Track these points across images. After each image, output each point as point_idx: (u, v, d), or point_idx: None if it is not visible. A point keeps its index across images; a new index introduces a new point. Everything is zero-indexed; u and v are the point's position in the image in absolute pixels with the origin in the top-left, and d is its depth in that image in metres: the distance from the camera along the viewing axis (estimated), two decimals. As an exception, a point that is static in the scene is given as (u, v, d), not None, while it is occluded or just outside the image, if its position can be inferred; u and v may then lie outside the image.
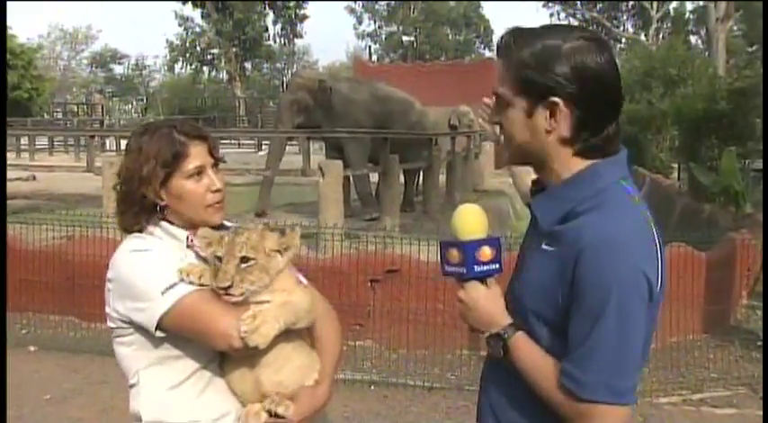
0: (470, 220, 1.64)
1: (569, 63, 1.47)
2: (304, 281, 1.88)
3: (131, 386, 1.81)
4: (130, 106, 59.19)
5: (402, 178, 12.13)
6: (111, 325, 1.81)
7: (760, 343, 6.16)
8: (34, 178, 17.99)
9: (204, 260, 1.75)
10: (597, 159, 1.53)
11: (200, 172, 1.83)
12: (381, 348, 5.89)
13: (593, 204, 1.49)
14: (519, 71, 1.51)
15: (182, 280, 1.70)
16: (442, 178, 13.05)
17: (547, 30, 1.53)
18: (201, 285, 1.70)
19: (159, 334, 1.73)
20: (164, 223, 1.86)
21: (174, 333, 1.73)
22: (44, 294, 6.63)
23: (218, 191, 1.85)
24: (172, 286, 1.69)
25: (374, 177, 11.80)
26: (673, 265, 5.99)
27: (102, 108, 48.90)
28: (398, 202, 10.92)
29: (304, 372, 1.79)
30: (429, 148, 12.53)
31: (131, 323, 1.75)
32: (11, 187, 16.77)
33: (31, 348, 6.01)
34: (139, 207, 1.83)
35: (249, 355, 1.69)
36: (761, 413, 4.86)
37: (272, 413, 1.71)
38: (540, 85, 1.48)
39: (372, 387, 5.30)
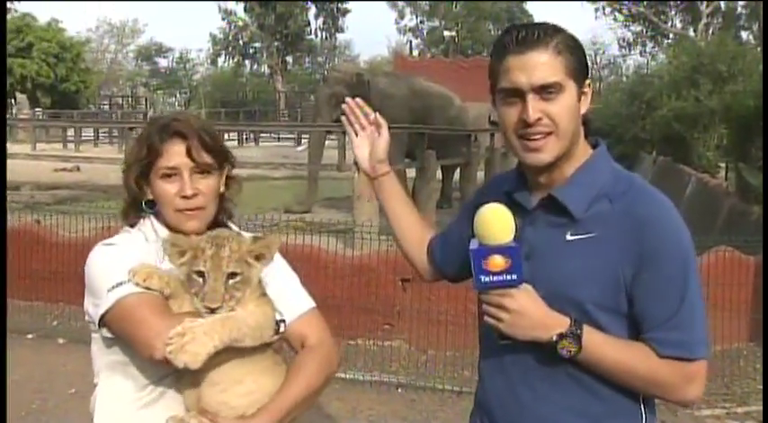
0: (485, 224, 1.50)
1: (580, 50, 1.59)
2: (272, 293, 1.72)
3: (95, 386, 1.74)
4: (174, 99, 60.06)
5: (439, 174, 12.02)
6: (87, 318, 1.73)
7: None
8: (78, 169, 18.27)
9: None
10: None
11: (173, 173, 1.69)
12: (411, 349, 5.82)
13: (626, 185, 1.56)
14: (573, 54, 1.55)
15: (129, 280, 1.59)
16: (481, 175, 12.90)
17: (546, 23, 1.61)
18: (147, 289, 1.59)
19: (106, 334, 1.65)
20: (152, 218, 1.76)
21: (114, 335, 1.63)
22: (77, 286, 6.61)
23: (187, 197, 1.69)
24: (118, 285, 1.60)
25: (411, 173, 11.70)
26: (719, 269, 5.79)
27: (147, 101, 49.73)
28: (435, 199, 10.82)
29: (255, 398, 1.63)
30: (468, 144, 12.42)
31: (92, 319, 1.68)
32: (55, 177, 17.11)
33: (60, 341, 6.02)
34: (132, 198, 1.75)
35: (199, 371, 1.56)
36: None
37: None
38: (584, 68, 1.58)
39: (400, 390, 5.22)
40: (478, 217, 1.51)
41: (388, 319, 6.02)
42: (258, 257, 1.61)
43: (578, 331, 1.49)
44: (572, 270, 1.52)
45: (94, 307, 1.64)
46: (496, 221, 1.49)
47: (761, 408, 4.99)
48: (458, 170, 12.95)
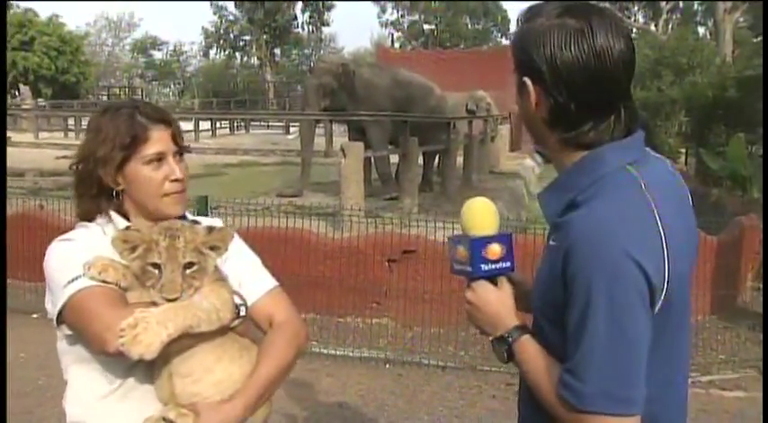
0: (479, 216, 1.46)
1: (541, 46, 1.33)
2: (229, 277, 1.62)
3: (65, 383, 1.63)
4: (168, 90, 59.43)
5: (421, 160, 11.99)
6: (48, 316, 1.62)
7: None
8: (77, 156, 18.00)
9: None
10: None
11: (159, 158, 1.61)
12: (397, 326, 5.81)
13: (592, 193, 1.30)
14: (513, 48, 1.41)
15: (84, 274, 1.48)
16: (460, 160, 12.89)
17: (543, 9, 1.37)
18: (104, 282, 1.49)
19: (66, 330, 1.56)
20: (112, 213, 1.64)
21: (72, 331, 1.54)
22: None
23: (177, 181, 1.62)
24: (73, 280, 1.49)
25: (394, 159, 11.65)
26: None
27: (142, 91, 49.24)
28: (417, 183, 10.79)
29: (226, 386, 1.55)
30: (447, 131, 12.38)
31: None
32: (57, 164, 16.88)
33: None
34: (97, 190, 1.62)
35: (168, 363, 1.49)
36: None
37: None
38: (519, 62, 1.38)
39: (387, 365, 5.20)
40: (470, 210, 1.47)
41: (376, 298, 6.00)
42: (213, 248, 1.52)
43: (510, 338, 1.39)
44: (537, 276, 1.42)
45: (52, 305, 1.55)
46: (488, 213, 1.47)
47: (723, 376, 5.03)
48: (438, 156, 12.91)
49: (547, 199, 1.41)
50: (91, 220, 1.65)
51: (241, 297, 1.59)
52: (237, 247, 1.71)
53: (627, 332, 1.20)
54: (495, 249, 1.43)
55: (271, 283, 1.75)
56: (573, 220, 1.27)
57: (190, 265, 1.47)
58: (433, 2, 54.63)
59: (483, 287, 1.45)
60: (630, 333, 1.21)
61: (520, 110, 1.43)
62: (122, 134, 1.58)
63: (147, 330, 1.38)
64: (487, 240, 1.44)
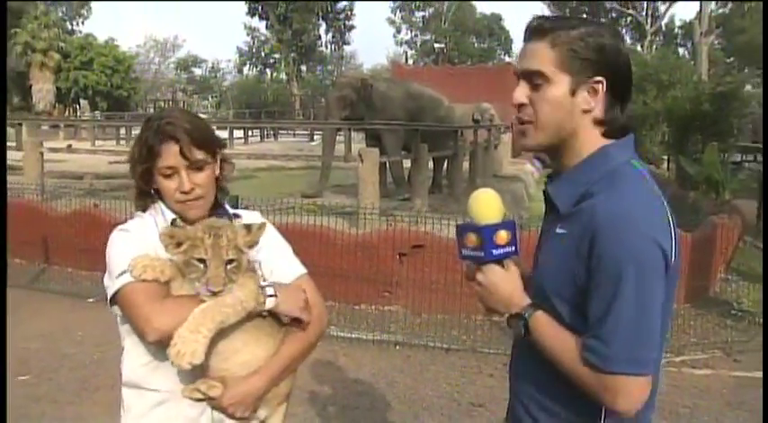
0: (487, 205, 1.42)
1: (609, 46, 1.34)
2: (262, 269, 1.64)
3: (122, 349, 1.70)
4: (207, 102, 59.64)
5: (431, 164, 11.97)
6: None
7: (734, 312, 6.08)
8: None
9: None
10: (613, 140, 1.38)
11: (172, 172, 1.61)
12: (407, 313, 5.81)
13: (605, 184, 1.32)
14: (568, 49, 1.33)
15: (130, 270, 1.54)
16: (466, 165, 12.86)
17: (578, 18, 1.40)
18: (143, 281, 1.53)
19: (116, 311, 1.62)
20: (160, 204, 1.69)
21: (122, 314, 1.60)
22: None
23: (185, 192, 1.62)
24: (123, 273, 1.54)
25: (407, 163, 11.65)
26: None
27: (184, 104, 49.44)
28: (427, 186, 10.78)
29: (252, 364, 1.56)
30: (455, 138, 12.35)
31: None
32: (110, 168, 17.03)
33: (114, 303, 6.01)
34: (139, 187, 1.68)
35: None
36: (733, 373, 4.73)
37: (204, 393, 1.55)
38: (590, 63, 1.33)
39: (398, 347, 5.21)
40: (478, 201, 1.43)
41: (388, 288, 6.00)
42: (250, 246, 1.55)
43: (527, 315, 1.36)
44: (549, 261, 1.39)
45: (107, 288, 1.61)
46: (494, 203, 1.43)
47: (693, 357, 5.03)
48: (446, 161, 12.88)
49: (557, 191, 1.40)
50: (145, 210, 1.71)
51: (272, 288, 1.57)
52: (271, 237, 1.73)
53: (650, 304, 1.25)
54: (503, 235, 1.41)
55: (300, 270, 1.75)
56: (595, 207, 1.29)
57: (231, 261, 1.49)
58: (442, 23, 54.45)
59: (493, 270, 1.42)
60: (652, 305, 1.26)
61: (562, 109, 1.35)
62: (142, 146, 1.62)
63: (185, 343, 1.42)
64: (497, 227, 1.41)
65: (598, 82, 1.34)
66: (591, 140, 1.37)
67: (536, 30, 1.36)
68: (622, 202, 1.27)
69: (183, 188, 1.61)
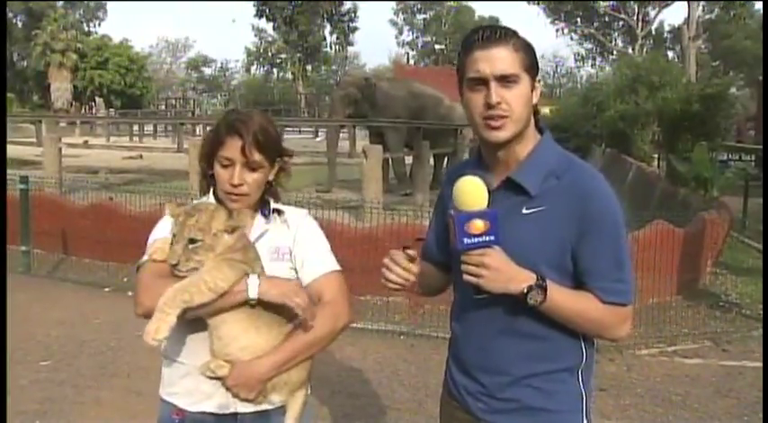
0: (477, 191, 1.40)
1: (534, 54, 1.53)
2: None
3: None
4: (216, 100, 59.67)
5: (432, 161, 11.95)
6: None
7: (722, 303, 6.07)
8: (141, 157, 18.13)
9: None
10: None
11: (228, 164, 1.62)
12: (410, 304, 5.77)
13: (566, 164, 1.50)
14: (527, 53, 1.49)
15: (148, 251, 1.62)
16: (464, 162, 12.86)
17: (508, 27, 1.57)
18: (154, 261, 1.58)
19: None
20: (211, 191, 1.71)
21: None
22: (142, 249, 6.59)
23: (234, 186, 1.62)
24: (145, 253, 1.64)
25: (409, 160, 11.64)
26: (655, 239, 5.77)
27: (194, 102, 49.49)
28: (428, 181, 10.77)
29: (251, 351, 1.57)
30: (455, 136, 12.35)
31: None
32: (124, 163, 17.06)
33: (130, 293, 5.98)
34: (202, 169, 1.72)
35: (211, 326, 1.57)
36: (722, 363, 4.71)
37: (213, 371, 1.58)
38: (535, 64, 1.51)
39: (401, 337, 5.17)
40: (457, 188, 1.42)
41: (391, 279, 5.97)
42: (231, 231, 1.55)
43: (544, 284, 1.42)
44: (528, 237, 1.45)
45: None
46: (474, 190, 1.40)
47: (685, 346, 5.01)
48: (446, 157, 12.87)
49: (526, 177, 1.49)
50: (205, 192, 1.74)
51: (260, 276, 1.56)
52: (309, 231, 1.74)
53: (628, 249, 1.52)
54: (477, 224, 1.40)
55: (330, 266, 1.72)
56: (575, 182, 1.47)
57: (193, 240, 1.50)
58: (443, 25, 54.36)
59: (497, 251, 1.42)
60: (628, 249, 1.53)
61: (527, 105, 1.49)
62: (213, 133, 1.67)
63: (152, 320, 1.46)
64: (470, 216, 1.40)
65: (539, 80, 1.54)
66: (533, 129, 1.54)
67: (497, 38, 1.48)
68: (596, 176, 1.50)
69: (233, 181, 1.62)
